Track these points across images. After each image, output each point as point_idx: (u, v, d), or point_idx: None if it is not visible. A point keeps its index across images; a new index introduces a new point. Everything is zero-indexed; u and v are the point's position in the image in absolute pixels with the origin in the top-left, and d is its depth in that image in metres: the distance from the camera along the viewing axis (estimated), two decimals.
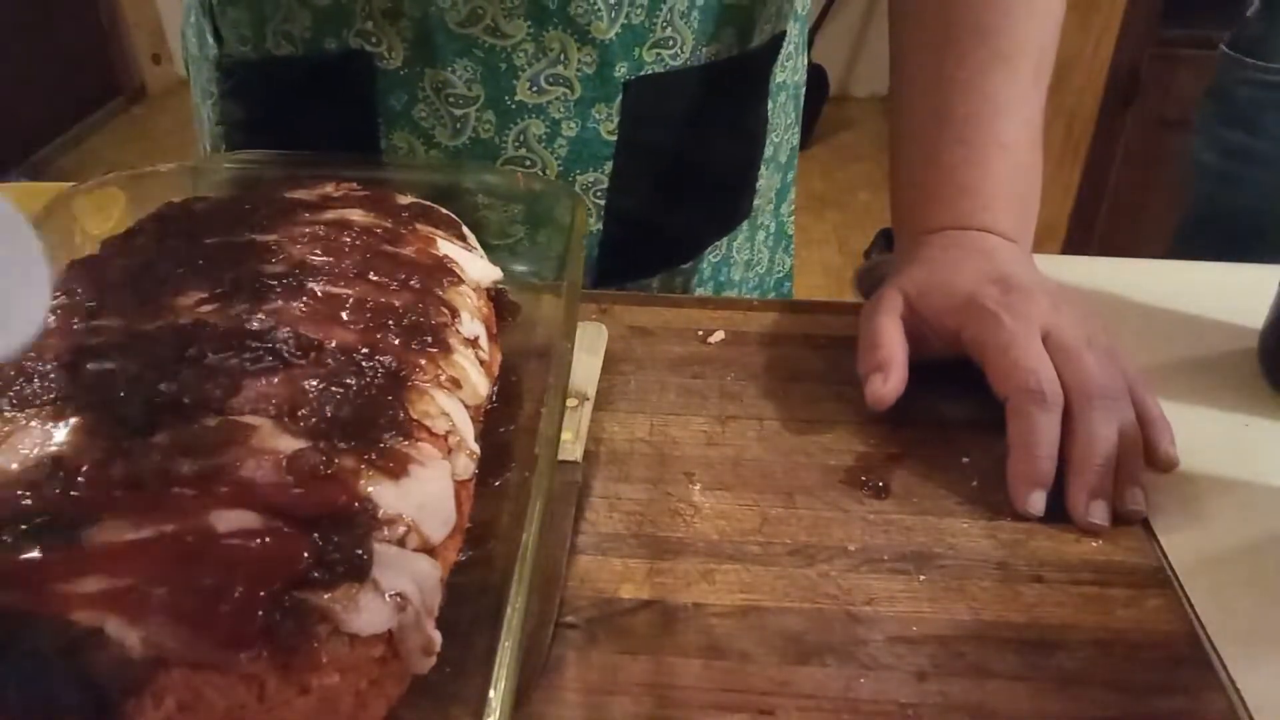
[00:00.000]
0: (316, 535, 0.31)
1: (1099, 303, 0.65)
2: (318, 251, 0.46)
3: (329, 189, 0.54)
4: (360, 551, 0.32)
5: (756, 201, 0.79)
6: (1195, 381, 0.57)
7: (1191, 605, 0.43)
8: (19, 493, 0.32)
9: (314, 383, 0.37)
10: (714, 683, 0.39)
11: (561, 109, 0.63)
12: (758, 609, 0.42)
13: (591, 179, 0.67)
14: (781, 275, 0.88)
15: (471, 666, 0.36)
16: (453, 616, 0.35)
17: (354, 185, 0.55)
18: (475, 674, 0.35)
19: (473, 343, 0.46)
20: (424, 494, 0.35)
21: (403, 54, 0.62)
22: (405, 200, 0.54)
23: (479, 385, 0.44)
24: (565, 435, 0.48)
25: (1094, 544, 0.46)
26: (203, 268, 0.45)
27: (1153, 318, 0.63)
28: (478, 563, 0.40)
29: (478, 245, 0.56)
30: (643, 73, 0.64)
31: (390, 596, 0.32)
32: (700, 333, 0.60)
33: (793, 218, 0.87)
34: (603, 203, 0.68)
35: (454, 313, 0.46)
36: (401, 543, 0.34)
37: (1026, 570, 0.44)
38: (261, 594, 0.29)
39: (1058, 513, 0.47)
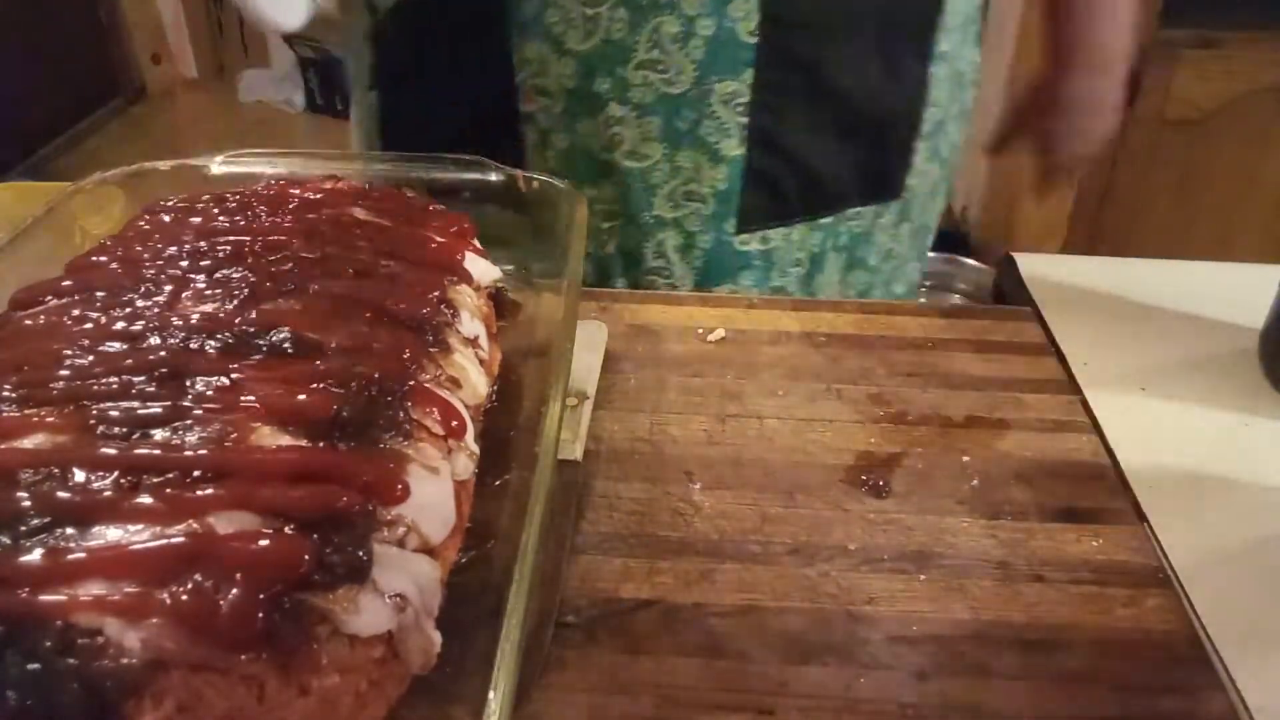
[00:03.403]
0: (316, 536, 0.31)
1: (1099, 303, 0.65)
2: (318, 249, 0.46)
3: (330, 186, 0.54)
4: (360, 552, 0.32)
5: (912, 182, 0.76)
6: (1195, 381, 0.57)
7: (1191, 605, 0.43)
8: (19, 493, 0.32)
9: (314, 383, 0.37)
10: (714, 682, 0.39)
11: (696, 4, 0.62)
12: (758, 609, 0.42)
13: (731, 89, 0.65)
14: (908, 287, 0.84)
15: (471, 666, 0.36)
16: (453, 616, 0.35)
17: (355, 183, 0.55)
18: (475, 674, 0.35)
19: (473, 342, 0.46)
20: (424, 494, 0.35)
21: None
22: (406, 198, 0.54)
23: (479, 385, 0.44)
24: (565, 434, 0.48)
25: (1094, 544, 0.46)
26: (203, 266, 0.45)
27: (1153, 318, 0.63)
28: (478, 563, 0.40)
29: (478, 244, 0.55)
30: None
31: (390, 597, 0.32)
32: (700, 331, 0.60)
33: (933, 231, 0.84)
34: (744, 120, 0.66)
35: (454, 312, 0.46)
36: (401, 543, 0.34)
37: (1026, 570, 0.44)
38: (261, 595, 0.29)
39: (1058, 512, 0.47)
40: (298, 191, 0.53)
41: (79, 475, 0.32)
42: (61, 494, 0.32)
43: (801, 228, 0.73)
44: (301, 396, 0.36)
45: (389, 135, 0.77)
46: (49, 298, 0.44)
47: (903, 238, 0.80)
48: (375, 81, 0.75)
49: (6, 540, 0.30)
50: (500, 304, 0.54)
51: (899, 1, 0.69)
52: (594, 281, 0.74)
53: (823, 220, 0.73)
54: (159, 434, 0.34)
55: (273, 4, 0.55)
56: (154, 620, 0.28)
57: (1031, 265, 0.69)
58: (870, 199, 0.75)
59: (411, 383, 0.39)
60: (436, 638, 0.34)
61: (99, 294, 0.43)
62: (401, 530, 0.34)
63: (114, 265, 0.46)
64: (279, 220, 0.49)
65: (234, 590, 0.29)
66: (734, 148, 0.67)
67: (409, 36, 0.71)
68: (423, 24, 0.70)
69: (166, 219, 0.50)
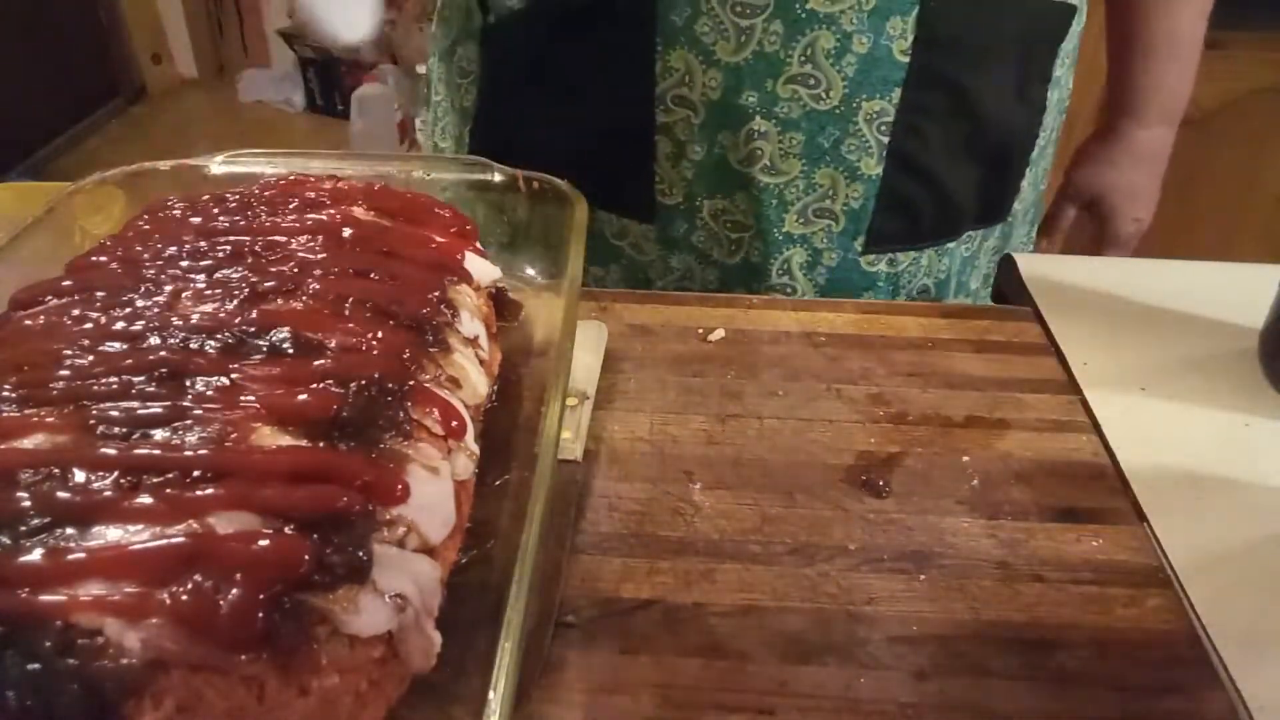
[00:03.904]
0: (316, 537, 0.31)
1: (1099, 303, 0.65)
2: (318, 249, 0.46)
3: (330, 185, 0.54)
4: (360, 553, 0.32)
5: (1016, 206, 0.77)
6: (1195, 381, 0.57)
7: (1191, 605, 0.43)
8: (19, 493, 0.32)
9: (314, 383, 0.37)
10: (714, 682, 0.39)
11: (854, 19, 0.61)
12: (758, 608, 0.42)
13: (877, 108, 0.64)
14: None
15: (471, 666, 0.36)
16: (453, 616, 0.35)
17: (356, 182, 0.55)
18: (475, 674, 0.35)
19: (472, 342, 0.46)
20: (424, 494, 0.35)
21: None
22: (407, 197, 0.54)
23: (479, 385, 0.44)
24: (565, 434, 0.48)
25: (1094, 544, 0.46)
26: (203, 266, 0.45)
27: (1153, 318, 0.63)
28: (478, 563, 0.40)
29: (479, 244, 0.55)
30: None
31: (390, 598, 0.32)
32: (700, 331, 0.60)
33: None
34: (886, 140, 0.66)
35: (454, 312, 0.46)
36: (401, 543, 0.34)
37: (1026, 570, 0.44)
38: (261, 596, 0.29)
39: (1058, 512, 0.47)
40: (298, 191, 0.53)
41: (79, 475, 0.32)
42: (61, 494, 0.32)
43: (930, 252, 0.73)
44: (301, 396, 0.36)
45: (483, 138, 0.76)
46: (49, 298, 0.44)
47: (995, 262, 0.81)
48: (483, 82, 0.74)
49: (6, 540, 0.30)
50: (500, 304, 0.54)
51: (1040, 22, 0.70)
52: (715, 291, 0.73)
53: (948, 244, 0.73)
54: (159, 434, 0.34)
55: (339, 14, 0.55)
56: (154, 620, 0.28)
57: (1031, 265, 0.69)
58: (983, 221, 0.76)
59: (411, 383, 0.39)
60: (436, 638, 0.34)
61: (99, 294, 0.43)
62: (401, 530, 0.34)
63: (114, 265, 0.46)
64: (279, 220, 0.49)
65: (234, 590, 0.29)
66: (872, 166, 0.66)
67: (536, 39, 0.70)
68: (560, 28, 0.68)
69: (166, 219, 0.50)
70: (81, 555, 0.30)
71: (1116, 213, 0.84)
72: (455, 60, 0.76)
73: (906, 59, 0.63)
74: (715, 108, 0.65)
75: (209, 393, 0.36)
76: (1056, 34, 0.72)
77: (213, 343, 0.39)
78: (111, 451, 0.33)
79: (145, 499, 0.32)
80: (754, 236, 0.70)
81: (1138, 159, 0.83)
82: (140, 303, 0.42)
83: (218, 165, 0.60)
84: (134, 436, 0.34)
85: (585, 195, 0.65)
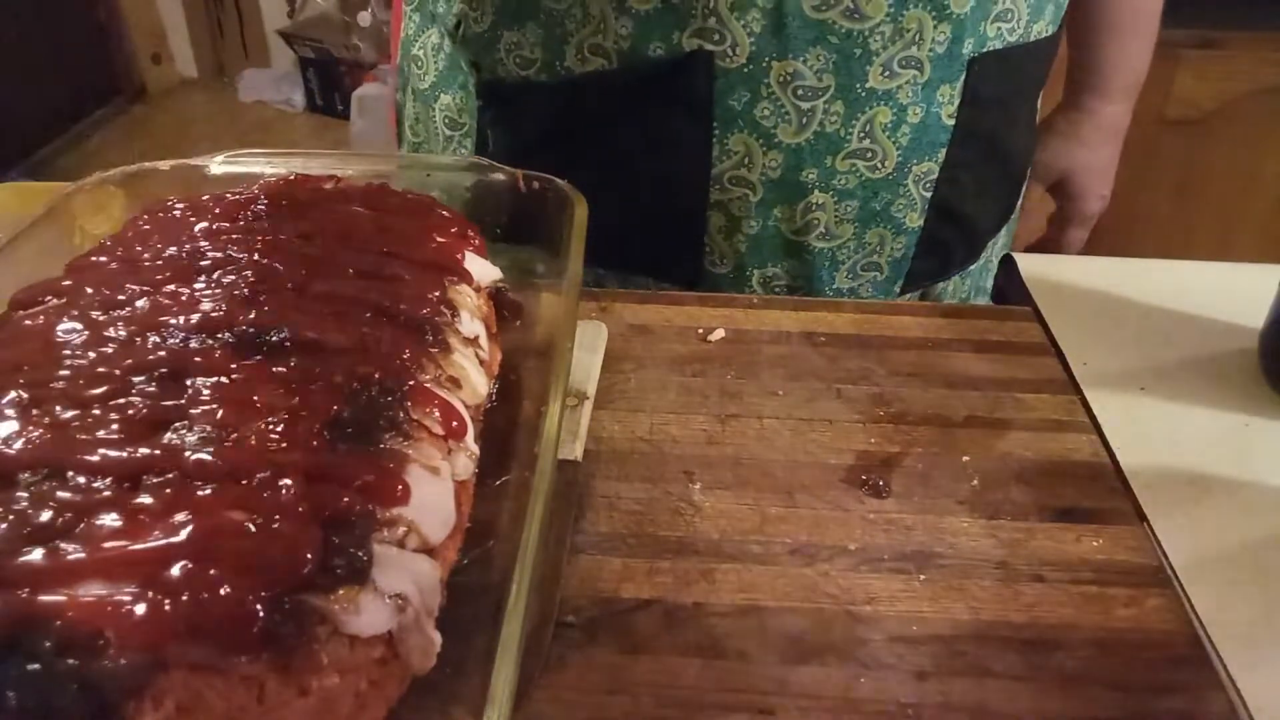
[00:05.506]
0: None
1: (1099, 303, 0.65)
2: (318, 249, 0.46)
3: (330, 186, 0.54)
4: (360, 553, 0.32)
5: (1020, 204, 0.80)
6: (1195, 381, 0.57)
7: (1191, 605, 0.43)
8: (19, 493, 0.32)
9: (314, 383, 0.37)
10: (714, 682, 0.39)
11: (910, 93, 0.62)
12: (758, 608, 0.42)
13: (924, 169, 0.66)
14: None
15: (471, 666, 0.36)
16: (453, 616, 0.35)
17: (356, 182, 0.55)
18: (475, 674, 0.35)
19: (472, 342, 0.46)
20: (424, 495, 0.35)
21: (749, 48, 0.60)
22: (407, 197, 0.54)
23: (479, 385, 0.44)
24: (565, 434, 0.48)
25: (1094, 544, 0.46)
26: (203, 266, 0.45)
27: (1153, 318, 0.63)
28: (478, 563, 0.40)
29: (479, 244, 0.55)
30: (985, 50, 0.63)
31: (390, 598, 0.32)
32: (700, 331, 0.60)
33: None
34: (929, 195, 0.67)
35: (454, 312, 0.46)
36: (401, 543, 0.34)
37: (1026, 570, 0.44)
38: (261, 596, 0.29)
39: (1058, 512, 0.47)
40: (298, 191, 0.53)
41: (79, 475, 0.32)
42: (61, 494, 0.32)
43: (955, 279, 0.75)
44: (301, 397, 0.36)
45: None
46: (49, 298, 0.44)
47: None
48: (480, 139, 0.71)
49: (7, 540, 0.30)
50: (501, 304, 0.54)
51: (1050, 52, 0.71)
52: None
53: (970, 267, 0.76)
54: (159, 434, 0.34)
55: None
56: (154, 620, 0.28)
57: (1031, 265, 0.69)
58: (994, 232, 0.78)
59: (411, 383, 0.39)
60: (436, 638, 0.34)
61: (99, 294, 0.43)
62: (401, 530, 0.34)
63: (114, 265, 0.46)
64: (279, 220, 0.49)
65: (234, 590, 0.29)
66: (915, 220, 0.68)
67: (558, 107, 0.67)
68: (593, 102, 0.66)
69: (166, 219, 0.50)
70: (81, 555, 0.30)
71: (1086, 191, 0.86)
72: (439, 107, 0.72)
73: (953, 121, 0.64)
74: (774, 185, 0.65)
75: (209, 393, 0.36)
76: (1051, 54, 0.73)
77: (213, 343, 0.39)
78: (112, 451, 0.33)
79: (145, 499, 0.32)
80: (804, 296, 0.70)
81: (1105, 135, 0.84)
82: (140, 303, 0.42)
83: (218, 165, 0.60)
84: (134, 436, 0.34)
85: (621, 264, 0.65)
